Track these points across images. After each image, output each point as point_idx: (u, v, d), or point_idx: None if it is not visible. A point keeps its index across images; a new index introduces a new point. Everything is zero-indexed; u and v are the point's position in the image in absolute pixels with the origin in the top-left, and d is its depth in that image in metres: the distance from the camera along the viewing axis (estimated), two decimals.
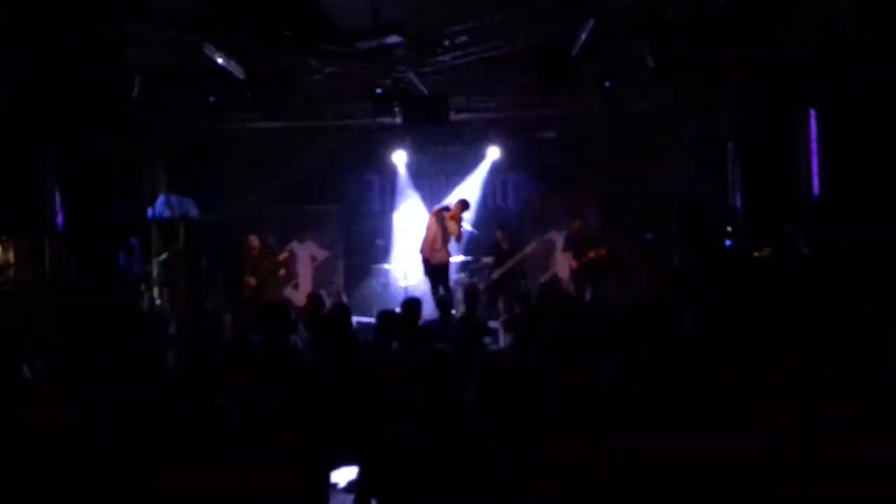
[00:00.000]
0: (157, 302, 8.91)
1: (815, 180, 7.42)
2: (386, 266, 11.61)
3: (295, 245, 11.50)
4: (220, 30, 7.16)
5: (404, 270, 11.19)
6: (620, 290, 9.83)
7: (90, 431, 3.35)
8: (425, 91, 8.96)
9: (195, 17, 6.93)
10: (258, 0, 6.90)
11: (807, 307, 6.18)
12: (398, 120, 9.56)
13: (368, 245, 11.94)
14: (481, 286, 9.82)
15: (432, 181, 12.15)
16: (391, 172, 12.11)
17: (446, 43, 7.79)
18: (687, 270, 8.59)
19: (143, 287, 8.91)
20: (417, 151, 11.75)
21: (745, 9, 6.80)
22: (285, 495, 3.28)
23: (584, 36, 7.19)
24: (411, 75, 8.56)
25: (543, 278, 10.71)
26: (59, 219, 8.09)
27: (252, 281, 10.04)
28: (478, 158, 11.80)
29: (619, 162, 10.87)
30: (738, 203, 8.88)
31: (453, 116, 9.69)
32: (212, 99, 8.79)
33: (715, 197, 9.21)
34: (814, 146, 7.44)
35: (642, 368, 3.20)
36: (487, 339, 5.66)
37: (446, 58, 8.12)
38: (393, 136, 11.27)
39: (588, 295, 9.58)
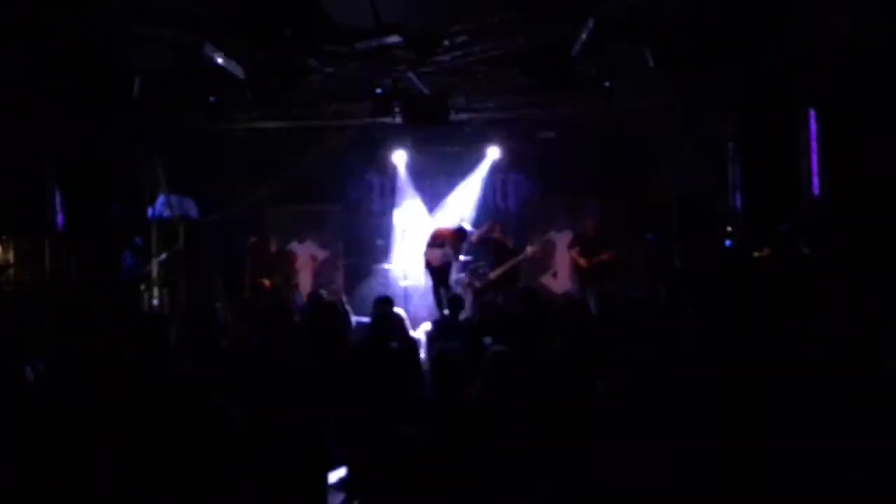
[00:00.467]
0: (156, 302, 8.91)
1: (815, 180, 7.42)
2: (386, 266, 11.62)
3: (295, 245, 11.51)
4: (220, 30, 7.15)
5: (404, 270, 11.19)
6: (620, 291, 9.82)
7: (90, 431, 3.35)
8: (425, 91, 8.96)
9: (195, 17, 6.93)
10: (258, 0, 6.90)
11: (807, 307, 6.18)
12: (398, 120, 9.55)
13: (368, 245, 11.95)
14: (477, 285, 9.82)
15: (432, 181, 12.15)
16: (391, 172, 12.11)
17: (446, 43, 7.79)
18: (687, 270, 8.59)
19: (143, 287, 8.90)
20: (417, 151, 11.75)
21: (745, 9, 6.80)
22: (285, 495, 3.28)
23: (584, 36, 7.19)
24: (411, 75, 8.55)
25: (543, 278, 10.71)
26: (59, 219, 8.09)
27: (267, 283, 9.99)
28: (478, 158, 11.80)
29: (619, 162, 10.86)
30: (738, 203, 8.88)
31: (453, 116, 9.67)
32: (212, 99, 8.79)
33: (715, 197, 9.20)
34: (814, 146, 7.43)
35: (639, 369, 3.20)
36: (487, 340, 5.65)
37: (446, 58, 8.11)
38: (393, 136, 11.27)
39: (590, 295, 9.56)
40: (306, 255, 11.57)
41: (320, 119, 10.31)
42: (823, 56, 6.58)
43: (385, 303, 6.68)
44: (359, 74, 8.46)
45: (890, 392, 3.59)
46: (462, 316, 7.80)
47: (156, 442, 3.14)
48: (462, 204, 11.87)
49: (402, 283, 11.11)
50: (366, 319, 8.90)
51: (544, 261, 11.06)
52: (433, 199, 11.98)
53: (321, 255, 11.75)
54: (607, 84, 8.60)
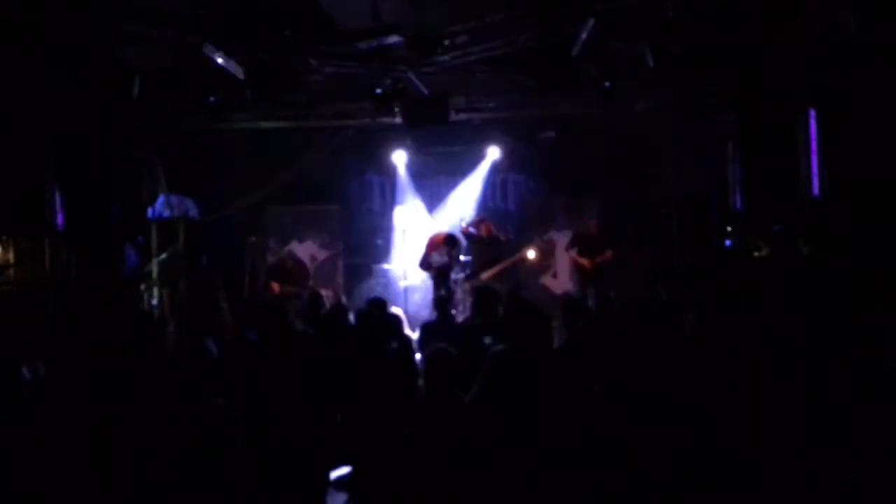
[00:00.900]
0: (155, 303, 8.90)
1: (815, 180, 7.42)
2: (386, 266, 11.61)
3: (295, 245, 11.50)
4: (220, 30, 7.15)
5: (404, 270, 11.19)
6: (620, 291, 9.81)
7: (90, 431, 3.35)
8: (425, 91, 8.96)
9: (195, 17, 6.92)
10: (258, 0, 6.90)
11: (806, 307, 6.18)
12: (398, 120, 9.55)
13: (368, 245, 11.95)
14: (467, 287, 9.78)
15: (432, 181, 12.15)
16: (391, 172, 12.11)
17: (446, 43, 7.78)
18: (687, 270, 8.59)
19: (142, 287, 8.90)
20: (417, 151, 11.75)
21: (744, 9, 6.80)
22: (285, 494, 3.28)
23: (584, 36, 7.19)
24: (411, 75, 8.55)
25: (543, 279, 10.70)
26: (59, 219, 8.09)
27: (276, 288, 9.93)
28: (478, 159, 11.80)
29: (618, 162, 10.87)
30: (738, 203, 8.88)
31: (453, 116, 9.68)
32: (212, 99, 8.78)
33: (715, 197, 9.21)
34: (814, 146, 7.44)
35: (635, 369, 3.20)
36: (488, 340, 5.65)
37: (446, 58, 8.11)
38: (393, 136, 11.26)
39: (590, 295, 9.55)
40: (306, 255, 11.57)
41: (320, 119, 10.31)
42: (823, 56, 6.58)
43: (374, 305, 6.57)
44: (359, 74, 8.46)
45: (890, 392, 3.59)
46: (462, 316, 7.79)
47: (155, 441, 3.14)
48: (462, 204, 11.88)
49: (402, 283, 11.11)
50: None
51: (544, 261, 11.05)
52: (433, 199, 11.98)
53: (321, 255, 11.75)
54: (607, 84, 8.60)
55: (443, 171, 12.10)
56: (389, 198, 12.29)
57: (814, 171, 7.43)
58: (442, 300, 7.34)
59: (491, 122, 10.80)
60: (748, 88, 8.14)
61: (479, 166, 11.88)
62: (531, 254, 10.24)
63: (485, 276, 9.74)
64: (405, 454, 3.21)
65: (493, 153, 11.60)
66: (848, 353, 4.36)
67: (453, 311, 7.89)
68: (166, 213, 9.55)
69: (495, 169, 11.91)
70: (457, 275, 10.43)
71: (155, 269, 9.07)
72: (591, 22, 6.92)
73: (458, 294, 9.84)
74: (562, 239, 11.18)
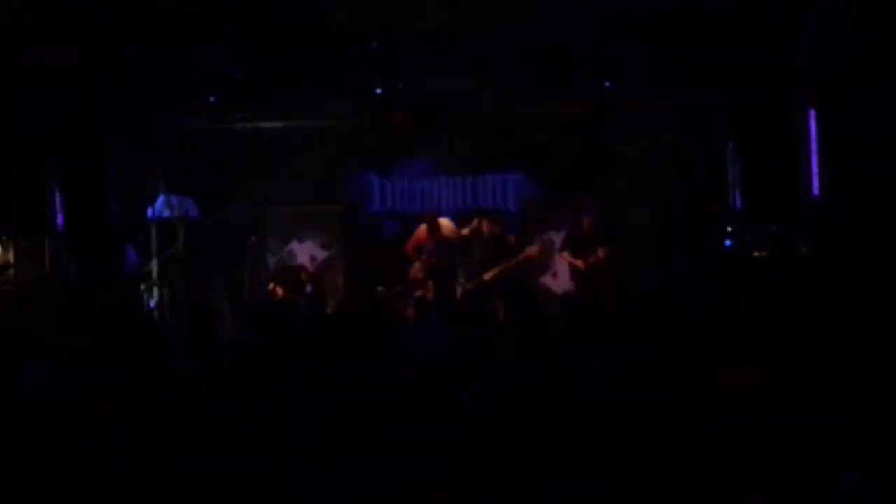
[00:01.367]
0: (155, 303, 8.90)
1: (815, 180, 7.42)
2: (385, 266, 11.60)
3: (295, 245, 11.48)
4: (220, 30, 7.15)
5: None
6: (619, 290, 9.80)
7: (90, 431, 3.35)
8: (425, 91, 8.96)
9: (195, 17, 6.93)
10: (258, 0, 6.90)
11: (806, 307, 6.18)
12: (398, 120, 9.54)
13: (368, 245, 11.93)
14: (469, 286, 9.74)
15: (432, 181, 12.13)
16: (391, 172, 12.10)
17: (446, 43, 7.79)
18: (687, 270, 8.59)
19: (142, 287, 8.90)
20: (416, 151, 11.73)
21: (744, 10, 6.80)
22: (283, 494, 3.28)
23: (584, 36, 7.19)
24: (411, 75, 8.55)
25: (543, 279, 10.69)
26: (59, 219, 8.09)
27: (279, 291, 9.89)
28: (478, 159, 11.78)
29: (618, 162, 10.85)
30: (738, 203, 8.87)
31: (452, 115, 9.67)
32: (212, 99, 8.78)
33: (715, 197, 9.20)
34: (814, 146, 7.44)
35: (632, 369, 3.20)
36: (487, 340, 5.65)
37: (446, 58, 8.11)
38: (393, 137, 11.25)
39: (588, 295, 9.53)
40: (306, 255, 11.55)
41: (320, 119, 10.30)
42: (823, 56, 6.58)
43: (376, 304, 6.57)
44: (359, 74, 8.46)
45: (890, 392, 3.58)
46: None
47: (155, 441, 3.14)
48: (460, 204, 11.85)
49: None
50: None
51: (544, 261, 11.03)
52: (433, 199, 11.96)
53: (321, 255, 11.73)
54: (607, 84, 8.60)
55: (442, 171, 12.09)
56: (389, 198, 12.28)
57: (814, 171, 7.43)
58: (421, 302, 7.23)
59: (491, 122, 10.79)
60: (748, 89, 8.14)
61: (480, 166, 11.86)
62: (535, 252, 10.20)
63: (487, 275, 9.70)
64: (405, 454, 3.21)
65: (493, 153, 11.57)
66: (848, 353, 4.36)
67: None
68: (166, 213, 9.54)
69: (495, 169, 11.90)
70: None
71: (155, 269, 9.06)
72: (592, 22, 6.93)
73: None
74: (560, 239, 11.16)
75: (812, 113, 7.44)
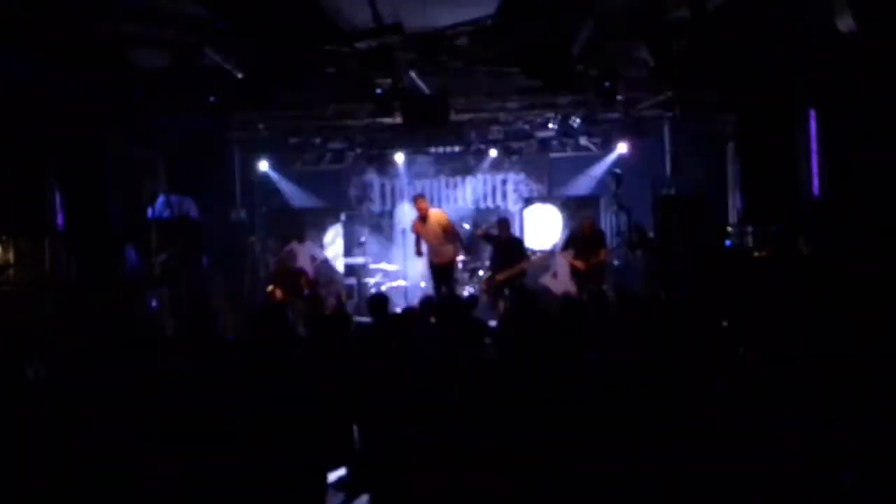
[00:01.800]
0: (154, 303, 8.90)
1: (815, 180, 7.43)
2: (386, 266, 11.62)
3: (295, 245, 11.50)
4: (220, 30, 7.15)
5: (405, 270, 11.19)
6: (619, 291, 9.81)
7: (90, 431, 3.35)
8: (425, 91, 8.96)
9: (195, 17, 6.92)
10: (258, 0, 6.89)
11: (806, 307, 6.18)
12: (398, 120, 9.55)
13: (368, 245, 11.95)
14: (485, 286, 9.82)
15: (432, 181, 12.17)
16: (391, 172, 12.13)
17: (446, 43, 7.78)
18: (687, 270, 8.59)
19: (143, 287, 8.90)
20: (417, 152, 11.76)
21: (744, 9, 6.80)
22: (284, 494, 3.29)
23: (584, 36, 7.19)
24: (411, 75, 8.55)
25: (543, 279, 10.69)
26: (59, 219, 8.09)
27: (278, 293, 9.88)
28: (478, 158, 11.82)
29: (618, 162, 10.88)
30: (738, 203, 8.88)
31: (453, 116, 9.67)
32: (212, 99, 8.78)
33: (715, 197, 9.20)
34: (814, 146, 7.44)
35: (631, 369, 3.20)
36: (488, 340, 5.64)
37: (446, 58, 8.11)
38: (393, 136, 11.27)
39: (587, 295, 9.54)
40: (306, 255, 11.57)
41: (320, 119, 10.31)
42: (823, 56, 6.58)
43: (379, 301, 6.54)
44: (359, 74, 8.45)
45: (890, 392, 3.59)
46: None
47: (155, 440, 3.14)
48: (462, 204, 11.88)
49: (402, 283, 11.12)
50: (366, 319, 8.91)
51: (545, 261, 11.06)
52: (433, 199, 11.98)
53: (321, 255, 11.75)
54: (607, 84, 8.60)
55: (443, 172, 12.12)
56: (389, 198, 12.31)
57: (814, 171, 7.43)
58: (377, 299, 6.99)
59: (491, 122, 10.81)
60: (748, 88, 8.14)
61: (480, 166, 11.89)
62: (542, 258, 10.30)
63: (500, 276, 9.75)
64: (402, 454, 3.21)
65: (494, 153, 11.60)
66: (848, 353, 4.37)
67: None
68: (166, 213, 9.55)
69: (495, 169, 11.93)
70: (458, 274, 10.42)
71: (155, 269, 9.08)
72: (591, 22, 6.93)
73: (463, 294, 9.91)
74: (561, 238, 11.19)
75: (812, 113, 7.44)
